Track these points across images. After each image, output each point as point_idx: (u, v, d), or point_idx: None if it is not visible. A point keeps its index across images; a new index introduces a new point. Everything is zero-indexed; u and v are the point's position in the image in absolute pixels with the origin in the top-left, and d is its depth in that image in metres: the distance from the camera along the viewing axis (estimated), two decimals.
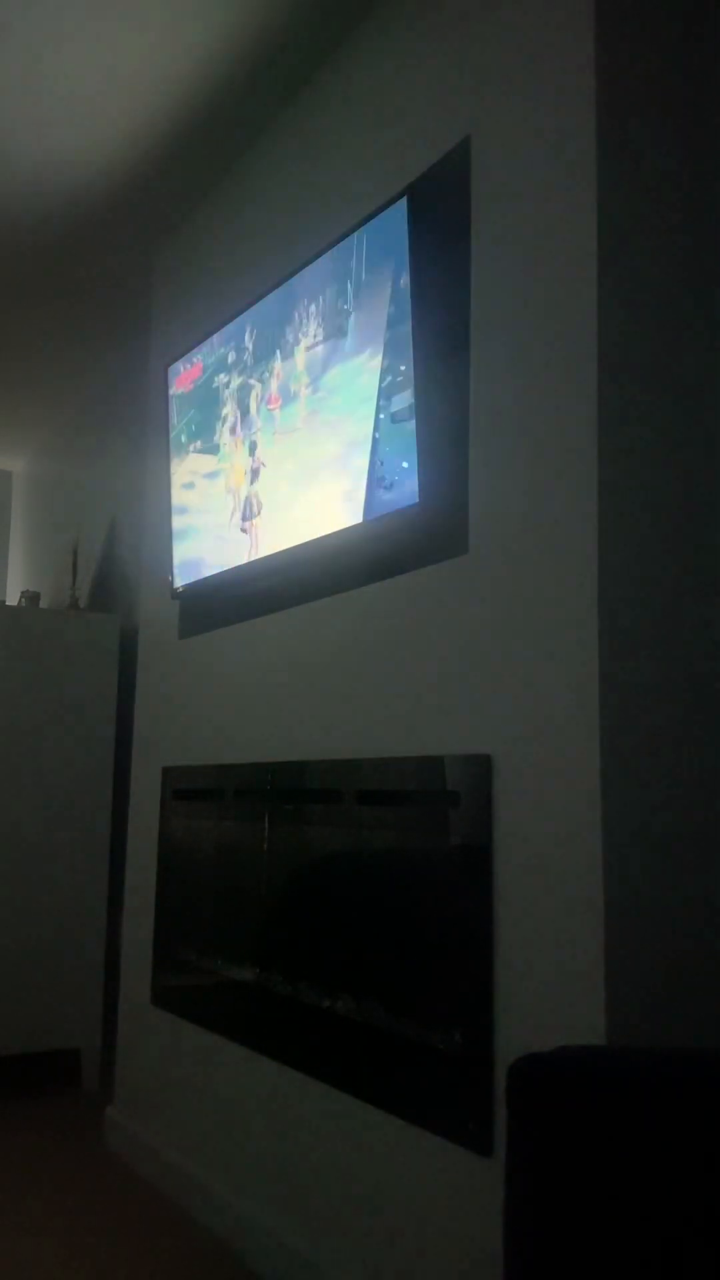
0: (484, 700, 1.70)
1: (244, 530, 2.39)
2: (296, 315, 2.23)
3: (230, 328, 2.48)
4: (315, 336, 2.15)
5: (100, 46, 2.33)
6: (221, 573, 2.48)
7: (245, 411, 2.41)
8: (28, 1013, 3.22)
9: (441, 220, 1.90)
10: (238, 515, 2.42)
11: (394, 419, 1.90)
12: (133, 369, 3.88)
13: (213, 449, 2.55)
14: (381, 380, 1.94)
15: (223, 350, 2.52)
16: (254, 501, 2.36)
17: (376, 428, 1.94)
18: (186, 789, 2.65)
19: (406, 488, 1.86)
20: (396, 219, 1.92)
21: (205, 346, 2.60)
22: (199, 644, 2.69)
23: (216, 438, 2.53)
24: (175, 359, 2.77)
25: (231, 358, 2.48)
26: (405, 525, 1.89)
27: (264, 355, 2.34)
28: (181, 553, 2.68)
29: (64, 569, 4.31)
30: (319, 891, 2.08)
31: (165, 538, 2.83)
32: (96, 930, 3.35)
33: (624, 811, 1.48)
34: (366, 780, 1.96)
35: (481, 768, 1.67)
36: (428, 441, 1.85)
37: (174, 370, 2.76)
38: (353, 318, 2.03)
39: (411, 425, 1.85)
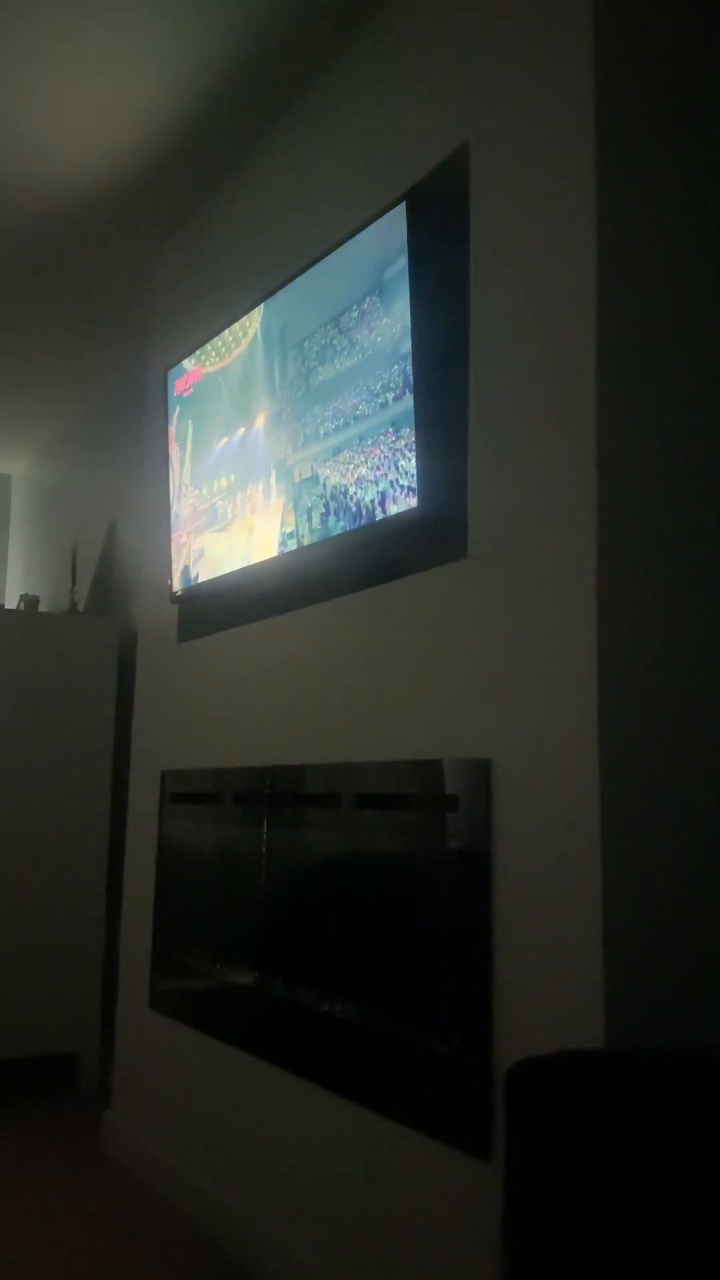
0: (483, 704, 1.70)
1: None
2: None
3: (230, 329, 2.49)
4: (314, 338, 2.16)
5: (99, 52, 2.33)
6: (220, 576, 2.49)
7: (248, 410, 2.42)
8: (26, 1016, 3.21)
9: (440, 225, 1.91)
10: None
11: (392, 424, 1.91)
12: (133, 373, 3.88)
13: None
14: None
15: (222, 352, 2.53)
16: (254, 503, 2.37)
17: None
18: (185, 792, 2.65)
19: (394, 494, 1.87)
20: (395, 224, 1.92)
21: (205, 350, 2.60)
22: (198, 648, 2.69)
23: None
24: (175, 363, 2.77)
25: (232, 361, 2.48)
26: (404, 529, 1.89)
27: (265, 357, 2.35)
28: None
29: (63, 572, 4.31)
30: (317, 895, 2.08)
31: (164, 541, 2.83)
32: (95, 934, 3.35)
33: (623, 815, 1.48)
34: (365, 784, 1.96)
35: (480, 772, 1.67)
36: (427, 446, 1.85)
37: (174, 374, 2.76)
38: (352, 321, 2.04)
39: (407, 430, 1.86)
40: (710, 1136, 1.09)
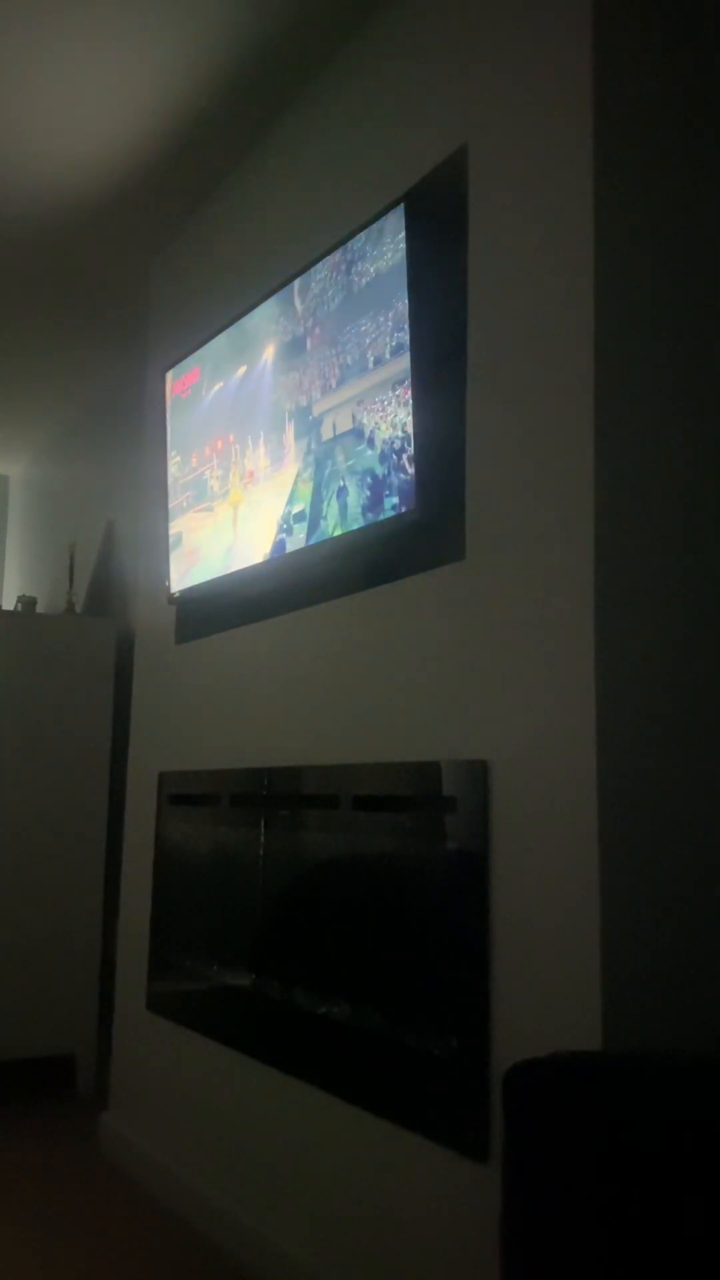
0: (481, 706, 1.70)
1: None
2: (293, 319, 2.22)
3: (229, 332, 2.48)
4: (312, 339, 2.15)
5: (97, 55, 2.33)
6: (218, 578, 2.48)
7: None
8: (23, 1017, 3.21)
9: (438, 227, 1.91)
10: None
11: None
12: (131, 374, 3.88)
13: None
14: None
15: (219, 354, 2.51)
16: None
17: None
18: (182, 794, 2.65)
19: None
20: (393, 226, 1.92)
21: (203, 351, 2.60)
22: (195, 649, 2.69)
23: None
24: (173, 364, 2.77)
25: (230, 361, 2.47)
26: (402, 531, 1.89)
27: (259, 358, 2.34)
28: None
29: (61, 573, 4.31)
30: (315, 897, 2.08)
31: (162, 542, 2.83)
32: (92, 935, 3.34)
33: (620, 816, 1.48)
34: (363, 785, 1.96)
35: (478, 773, 1.67)
36: (425, 448, 1.85)
37: (172, 374, 2.76)
38: (350, 319, 2.03)
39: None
40: (707, 1139, 1.09)
